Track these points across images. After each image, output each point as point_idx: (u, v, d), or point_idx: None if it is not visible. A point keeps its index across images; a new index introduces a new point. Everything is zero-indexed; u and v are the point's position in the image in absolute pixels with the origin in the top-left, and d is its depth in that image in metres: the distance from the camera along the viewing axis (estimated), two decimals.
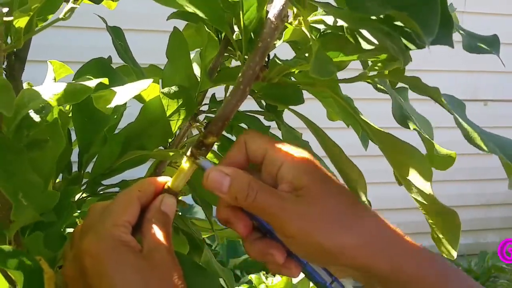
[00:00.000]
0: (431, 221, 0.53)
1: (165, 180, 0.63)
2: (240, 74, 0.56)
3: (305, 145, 0.75)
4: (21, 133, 0.56)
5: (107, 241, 0.56)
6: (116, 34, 0.81)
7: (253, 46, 0.55)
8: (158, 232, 0.59)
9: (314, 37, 0.52)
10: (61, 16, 0.58)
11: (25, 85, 0.86)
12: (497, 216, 3.77)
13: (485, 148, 0.49)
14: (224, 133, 0.78)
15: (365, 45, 0.46)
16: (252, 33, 0.61)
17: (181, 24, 0.82)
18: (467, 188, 3.66)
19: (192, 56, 0.79)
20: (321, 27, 0.56)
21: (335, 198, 0.58)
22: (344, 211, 0.57)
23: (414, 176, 0.52)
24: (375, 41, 0.45)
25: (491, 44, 0.53)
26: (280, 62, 0.59)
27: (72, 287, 0.58)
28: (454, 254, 0.53)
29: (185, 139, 0.80)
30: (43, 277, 0.59)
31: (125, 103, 0.74)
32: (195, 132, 0.86)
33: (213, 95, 0.81)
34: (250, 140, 0.60)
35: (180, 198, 0.65)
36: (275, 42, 0.57)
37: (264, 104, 0.88)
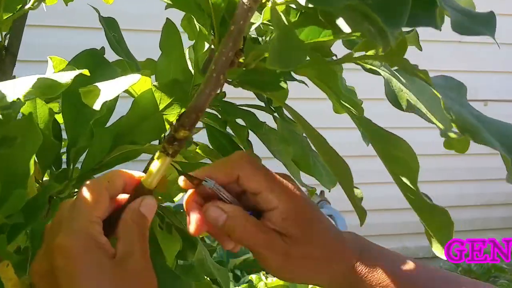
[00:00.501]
0: (422, 219, 0.50)
1: (138, 175, 0.60)
2: (212, 61, 0.52)
3: (302, 140, 0.73)
4: None
5: (81, 239, 0.54)
6: (109, 25, 0.79)
7: (226, 30, 0.50)
8: (133, 235, 0.56)
9: (285, 18, 0.48)
10: (28, 6, 0.56)
11: None
12: (498, 216, 3.76)
13: (479, 138, 0.45)
14: (218, 127, 0.76)
15: (343, 28, 0.41)
16: (225, 16, 0.57)
17: (178, 19, 0.80)
18: (467, 188, 3.64)
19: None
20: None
21: (317, 242, 0.62)
22: (320, 256, 0.63)
23: (401, 169, 0.49)
24: (349, 25, 0.40)
25: (486, 22, 0.48)
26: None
27: (39, 285, 0.56)
28: (443, 256, 0.51)
29: None
30: (1, 284, 0.57)
31: (117, 96, 0.72)
32: None
33: None
34: (244, 178, 0.61)
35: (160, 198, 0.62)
36: (253, 23, 0.53)
37: (265, 97, 0.86)
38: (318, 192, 2.81)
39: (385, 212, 3.42)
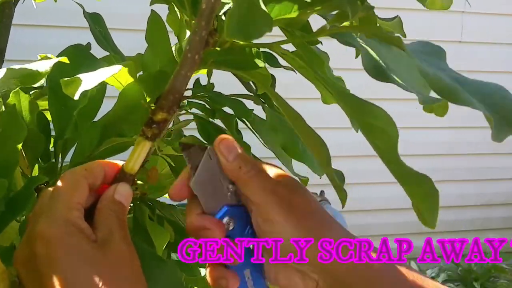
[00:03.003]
0: (406, 190, 0.49)
1: (117, 163, 0.59)
2: (186, 42, 0.51)
3: (291, 128, 0.72)
4: None
5: (61, 226, 0.53)
6: (94, 20, 0.79)
7: (198, 10, 0.49)
8: (111, 222, 0.56)
9: None
10: None
11: None
12: (498, 216, 3.75)
13: (458, 99, 0.44)
14: (207, 117, 0.75)
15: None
16: None
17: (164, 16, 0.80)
18: (467, 188, 3.63)
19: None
20: None
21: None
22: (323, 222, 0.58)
23: (380, 138, 0.48)
24: None
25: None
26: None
27: (22, 273, 0.55)
28: (434, 223, 0.49)
29: (171, 125, 0.77)
30: None
31: (104, 89, 0.72)
32: (182, 118, 0.83)
33: (197, 80, 0.79)
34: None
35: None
36: (225, 3, 0.52)
37: (254, 88, 0.86)
38: (318, 192, 2.80)
39: (385, 212, 3.41)
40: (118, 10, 2.57)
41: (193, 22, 0.49)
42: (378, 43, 0.52)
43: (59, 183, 0.56)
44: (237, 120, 0.73)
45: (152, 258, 0.67)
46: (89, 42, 0.77)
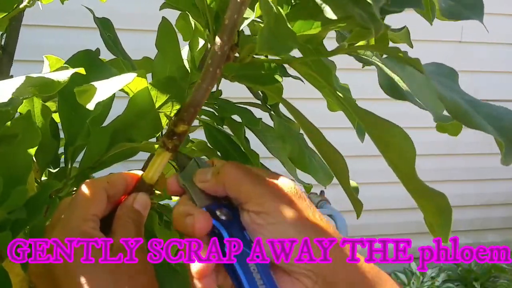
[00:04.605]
0: (420, 205, 0.50)
1: (137, 173, 0.61)
2: (208, 56, 0.52)
3: (298, 138, 0.73)
4: None
5: (75, 236, 0.54)
6: (104, 25, 0.79)
7: (220, 25, 0.51)
8: (129, 230, 0.57)
9: (277, 10, 0.47)
10: (24, 4, 0.56)
11: None
12: (498, 216, 3.76)
13: (471, 124, 0.45)
14: (215, 125, 0.76)
15: (329, 14, 0.41)
16: (219, 11, 0.57)
17: (173, 19, 0.80)
18: (467, 188, 3.64)
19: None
20: None
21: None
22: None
23: (397, 155, 0.48)
24: (339, 12, 0.39)
25: (473, 7, 0.48)
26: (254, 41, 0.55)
27: (37, 283, 0.56)
28: (446, 239, 0.50)
29: None
30: (9, 280, 0.57)
31: (113, 95, 0.72)
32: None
33: None
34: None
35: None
36: (247, 18, 0.53)
37: (261, 95, 0.86)
38: (318, 192, 2.80)
39: (385, 212, 3.42)
40: (119, 10, 2.57)
41: (215, 37, 0.50)
42: (392, 60, 0.53)
43: (77, 193, 0.57)
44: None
45: (164, 267, 0.68)
46: (98, 48, 0.77)
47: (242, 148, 0.73)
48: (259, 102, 0.78)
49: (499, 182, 3.65)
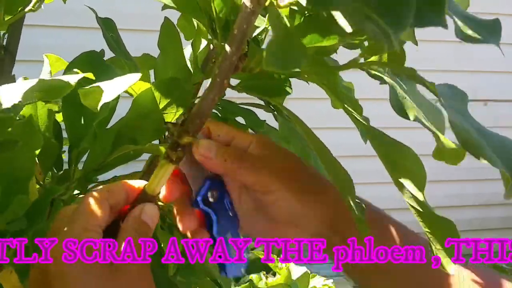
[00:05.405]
0: (426, 230, 0.49)
1: (139, 183, 0.59)
2: (216, 66, 0.51)
3: (302, 138, 0.72)
4: None
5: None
6: (107, 26, 0.79)
7: (229, 34, 0.49)
8: (133, 244, 0.55)
9: (289, 21, 0.46)
10: (29, 8, 0.55)
11: (20, 80, 0.84)
12: (497, 216, 3.76)
13: (482, 156, 0.44)
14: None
15: (342, 28, 0.39)
16: (228, 20, 0.56)
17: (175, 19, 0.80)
18: (466, 188, 3.64)
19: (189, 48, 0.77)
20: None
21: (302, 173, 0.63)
22: (311, 181, 0.63)
23: (407, 178, 0.47)
24: (352, 25, 0.38)
25: (491, 30, 0.47)
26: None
27: None
28: (451, 270, 0.49)
29: None
30: None
31: (118, 96, 0.72)
32: None
33: None
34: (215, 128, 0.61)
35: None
36: (258, 27, 0.52)
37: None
38: None
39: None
40: (120, 9, 2.56)
41: (224, 47, 0.49)
42: (405, 80, 0.52)
43: (80, 204, 0.55)
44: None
45: (167, 284, 0.67)
46: (102, 49, 0.77)
47: None
48: (262, 102, 0.78)
49: (497, 182, 3.61)
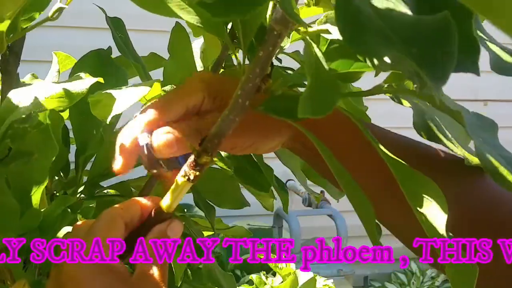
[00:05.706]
0: (446, 271, 0.47)
1: (153, 200, 0.58)
2: (238, 86, 0.49)
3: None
4: (4, 145, 0.51)
5: (91, 264, 0.52)
6: (116, 25, 0.77)
7: (254, 55, 0.48)
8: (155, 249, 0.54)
9: (317, 48, 0.45)
10: (49, 15, 0.54)
11: (28, 77, 0.83)
12: None
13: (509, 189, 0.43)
14: None
15: (377, 64, 0.37)
16: (254, 40, 0.55)
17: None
18: None
19: (198, 45, 0.76)
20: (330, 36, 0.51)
21: None
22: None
23: (428, 210, 0.46)
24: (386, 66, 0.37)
25: None
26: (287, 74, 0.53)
27: None
28: None
29: None
30: None
31: None
32: None
33: None
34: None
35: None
36: (282, 47, 0.51)
37: None
38: (318, 192, 2.79)
39: None
40: (126, 10, 2.55)
41: (248, 68, 0.48)
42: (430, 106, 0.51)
43: (95, 222, 0.55)
44: None
45: None
46: (109, 46, 0.75)
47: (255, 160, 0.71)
48: None
49: None
